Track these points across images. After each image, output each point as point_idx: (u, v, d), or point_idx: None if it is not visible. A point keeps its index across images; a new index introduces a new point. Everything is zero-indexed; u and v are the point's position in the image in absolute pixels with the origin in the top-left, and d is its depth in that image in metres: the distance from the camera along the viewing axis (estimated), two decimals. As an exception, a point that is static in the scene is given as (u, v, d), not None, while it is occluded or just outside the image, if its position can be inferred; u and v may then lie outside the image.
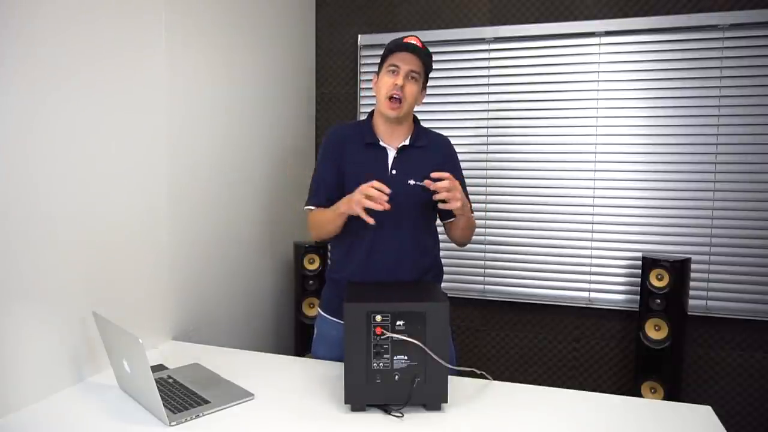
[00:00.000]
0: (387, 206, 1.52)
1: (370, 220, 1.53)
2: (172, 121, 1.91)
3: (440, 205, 1.61)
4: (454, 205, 1.57)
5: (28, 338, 1.39)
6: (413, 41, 1.68)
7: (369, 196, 1.51)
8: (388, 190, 1.52)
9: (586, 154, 2.62)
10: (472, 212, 1.83)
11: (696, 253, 2.49)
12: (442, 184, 1.54)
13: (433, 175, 1.56)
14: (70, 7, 1.48)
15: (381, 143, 1.75)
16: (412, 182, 1.69)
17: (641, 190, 2.56)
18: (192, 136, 2.02)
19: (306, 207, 1.80)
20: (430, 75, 2.50)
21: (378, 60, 1.77)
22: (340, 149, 1.76)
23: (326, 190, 1.75)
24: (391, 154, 1.74)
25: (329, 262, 2.02)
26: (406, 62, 1.66)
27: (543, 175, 2.68)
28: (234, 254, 2.32)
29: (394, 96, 1.66)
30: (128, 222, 1.72)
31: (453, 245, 2.67)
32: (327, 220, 1.70)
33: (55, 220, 1.46)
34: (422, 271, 1.77)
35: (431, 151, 1.78)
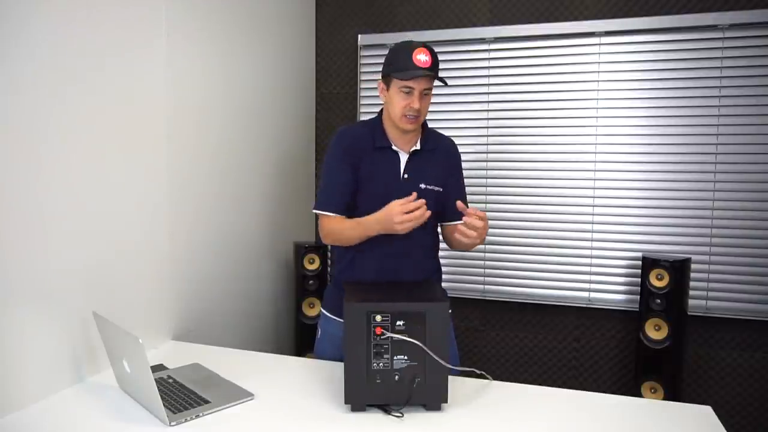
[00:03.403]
0: (425, 217, 1.55)
1: (423, 221, 1.56)
2: (172, 120, 1.91)
3: (458, 230, 1.59)
4: (473, 243, 1.59)
5: (28, 338, 1.39)
6: (423, 56, 1.61)
7: (409, 218, 1.53)
8: (421, 204, 1.54)
9: (586, 154, 2.62)
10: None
11: (696, 253, 2.49)
12: (477, 223, 1.55)
13: (469, 212, 1.56)
14: (70, 8, 1.48)
15: (393, 147, 1.73)
16: (423, 186, 1.71)
17: (641, 190, 2.56)
18: (192, 136, 2.02)
19: (321, 211, 1.73)
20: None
21: (378, 60, 1.75)
22: (355, 151, 1.72)
23: (343, 195, 1.71)
24: (403, 158, 1.73)
25: (329, 262, 2.03)
26: (420, 83, 1.62)
27: (543, 175, 2.68)
28: (234, 254, 2.32)
29: (411, 115, 1.65)
30: (128, 222, 1.72)
31: (453, 245, 2.67)
32: (353, 236, 1.68)
33: (56, 220, 1.46)
34: (426, 273, 1.79)
35: (440, 154, 1.79)
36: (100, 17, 1.58)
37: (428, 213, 1.54)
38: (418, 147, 1.74)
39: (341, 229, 1.70)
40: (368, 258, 1.73)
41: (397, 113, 1.66)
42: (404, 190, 1.66)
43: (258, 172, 2.48)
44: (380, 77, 1.72)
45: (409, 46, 1.63)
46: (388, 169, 1.72)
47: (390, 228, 1.56)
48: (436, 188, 1.74)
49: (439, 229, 1.87)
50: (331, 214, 1.72)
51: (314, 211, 1.76)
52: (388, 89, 1.68)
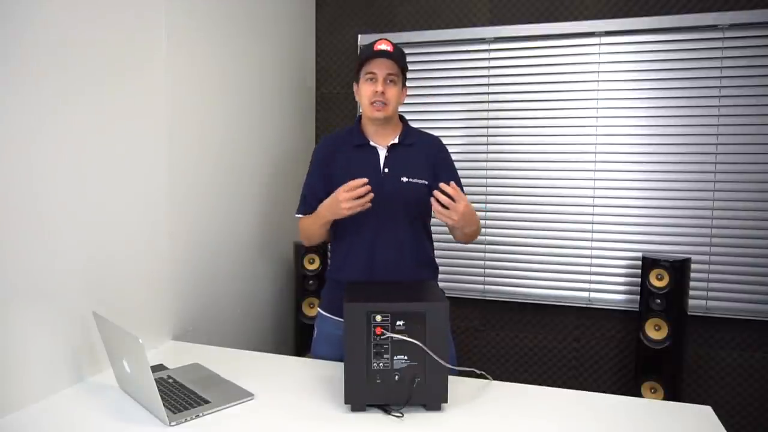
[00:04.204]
0: (369, 200, 1.58)
1: (368, 205, 1.59)
2: (173, 120, 1.91)
3: (438, 213, 1.57)
4: (448, 219, 1.56)
5: (28, 338, 1.39)
6: (384, 45, 1.71)
7: (354, 197, 1.57)
8: (365, 181, 1.57)
9: (586, 154, 2.62)
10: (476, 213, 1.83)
11: (696, 253, 2.49)
12: (448, 190, 1.53)
13: (442, 185, 1.54)
14: (71, 10, 1.48)
15: (371, 143, 1.77)
16: (404, 179, 1.73)
17: (641, 190, 2.56)
18: (192, 137, 2.02)
19: (296, 215, 1.87)
20: (430, 75, 2.48)
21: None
22: (329, 156, 1.80)
23: (314, 198, 1.79)
24: (382, 153, 1.76)
25: (329, 262, 2.03)
26: (382, 68, 1.70)
27: (543, 175, 2.68)
28: (234, 254, 2.32)
29: (377, 101, 1.71)
30: (128, 222, 1.72)
31: (452, 245, 2.68)
32: (312, 229, 1.78)
33: (56, 220, 1.46)
34: (421, 267, 1.79)
35: (422, 148, 1.81)
36: (101, 18, 1.58)
37: (371, 196, 1.58)
38: (396, 141, 1.77)
39: (305, 224, 1.81)
40: (358, 254, 1.76)
41: (365, 103, 1.73)
42: (385, 184, 1.69)
43: (258, 171, 2.48)
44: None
45: (373, 41, 1.74)
46: (368, 164, 1.76)
47: (337, 212, 1.61)
48: (420, 181, 1.76)
49: (432, 223, 1.88)
50: (302, 215, 1.84)
51: (294, 215, 1.88)
52: (359, 85, 1.77)
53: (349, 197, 1.57)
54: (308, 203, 1.82)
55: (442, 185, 1.55)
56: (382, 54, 1.68)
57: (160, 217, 1.86)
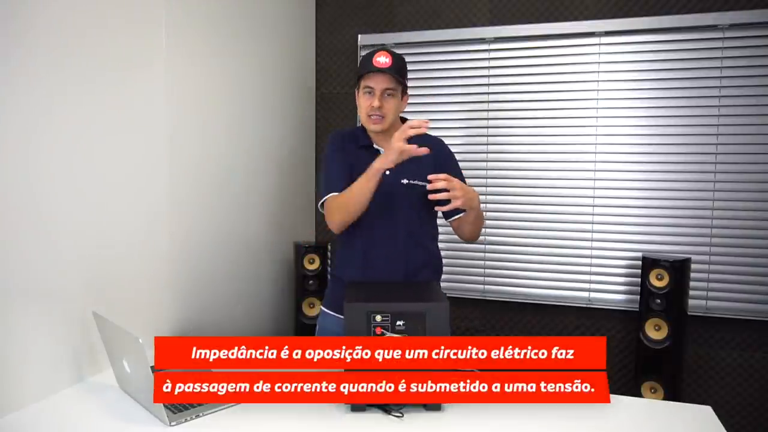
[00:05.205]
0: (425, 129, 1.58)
1: (423, 150, 1.58)
2: (173, 121, 1.90)
3: (446, 207, 1.62)
4: (456, 203, 1.59)
5: (28, 338, 1.39)
6: (383, 58, 1.70)
7: (411, 128, 1.56)
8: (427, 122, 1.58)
9: (586, 154, 2.62)
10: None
11: (696, 253, 2.48)
12: (439, 184, 1.58)
13: (429, 177, 1.60)
14: (72, 12, 1.48)
15: (375, 146, 1.79)
16: (405, 181, 1.74)
17: (641, 190, 2.56)
18: (192, 137, 2.02)
19: (327, 195, 1.77)
20: (430, 75, 2.45)
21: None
22: (345, 149, 1.82)
23: (344, 179, 1.75)
24: None
25: (329, 262, 2.05)
26: (379, 83, 1.70)
27: (543, 175, 2.68)
28: (234, 254, 2.32)
29: (374, 115, 1.72)
30: (128, 222, 1.72)
31: (452, 245, 2.68)
32: (357, 189, 1.67)
33: (56, 220, 1.46)
34: (420, 266, 1.79)
35: None
36: (101, 18, 1.58)
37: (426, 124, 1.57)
38: None
39: (347, 194, 1.69)
40: (358, 253, 1.77)
41: (363, 114, 1.75)
42: (386, 185, 1.70)
43: (258, 171, 2.48)
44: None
45: (373, 51, 1.73)
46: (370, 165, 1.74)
47: (383, 158, 1.60)
48: (421, 183, 1.76)
49: (438, 221, 1.89)
50: (336, 193, 1.75)
51: (322, 199, 1.78)
52: (357, 98, 1.78)
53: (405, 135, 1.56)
54: (339, 183, 1.74)
55: (430, 177, 1.59)
56: (380, 69, 1.69)
57: (161, 217, 1.86)
